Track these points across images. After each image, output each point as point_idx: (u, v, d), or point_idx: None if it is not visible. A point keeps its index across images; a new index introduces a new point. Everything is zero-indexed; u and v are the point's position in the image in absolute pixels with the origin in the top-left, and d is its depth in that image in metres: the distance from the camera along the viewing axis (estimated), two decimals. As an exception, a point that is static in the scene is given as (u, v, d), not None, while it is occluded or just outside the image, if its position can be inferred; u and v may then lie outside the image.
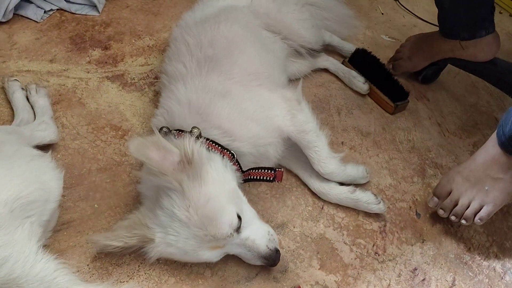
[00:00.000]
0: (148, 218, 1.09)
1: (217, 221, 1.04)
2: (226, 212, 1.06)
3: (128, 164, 1.38)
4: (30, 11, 1.77)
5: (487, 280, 1.35)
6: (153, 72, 1.69)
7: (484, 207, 1.30)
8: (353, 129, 1.68)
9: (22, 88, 1.44)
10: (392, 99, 1.78)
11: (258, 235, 1.12)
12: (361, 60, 1.87)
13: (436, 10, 1.72)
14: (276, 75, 1.49)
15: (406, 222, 1.44)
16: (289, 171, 1.47)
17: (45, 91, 1.44)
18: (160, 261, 1.17)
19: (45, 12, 1.80)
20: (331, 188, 1.39)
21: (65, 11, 1.85)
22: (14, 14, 1.74)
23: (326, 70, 1.89)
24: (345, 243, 1.34)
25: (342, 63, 1.89)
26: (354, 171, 1.41)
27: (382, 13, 2.37)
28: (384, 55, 1.97)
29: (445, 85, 2.01)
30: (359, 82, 1.81)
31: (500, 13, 2.61)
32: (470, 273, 1.35)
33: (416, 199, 1.51)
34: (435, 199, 1.40)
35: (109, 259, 1.16)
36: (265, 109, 1.30)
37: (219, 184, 1.09)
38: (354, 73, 1.83)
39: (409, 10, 2.45)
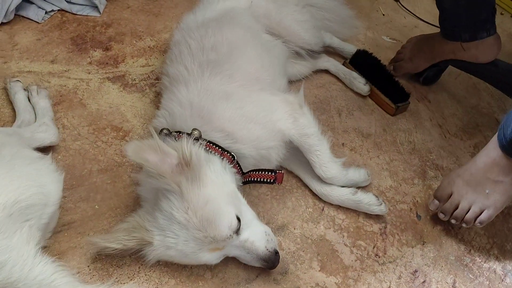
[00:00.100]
0: (147, 221, 1.09)
1: (216, 223, 1.04)
2: (225, 214, 1.06)
3: (128, 165, 1.38)
4: (31, 12, 1.77)
5: (487, 282, 1.35)
6: (154, 73, 1.69)
7: (485, 211, 1.30)
8: (353, 131, 1.68)
9: (24, 89, 1.44)
10: (393, 100, 1.78)
11: (257, 237, 1.12)
12: (362, 61, 1.87)
13: (437, 11, 1.72)
14: (278, 78, 1.50)
15: (407, 224, 1.44)
16: (290, 173, 1.47)
17: (46, 92, 1.44)
18: (161, 263, 1.17)
19: (46, 12, 1.80)
20: (332, 189, 1.39)
21: (66, 11, 1.85)
22: (15, 14, 1.74)
23: (326, 71, 1.89)
24: (345, 245, 1.34)
25: (343, 64, 1.89)
26: (356, 175, 1.41)
27: (383, 14, 2.37)
28: (385, 56, 1.97)
29: (446, 87, 2.01)
30: (360, 83, 1.81)
31: (502, 14, 2.61)
32: (470, 275, 1.35)
33: (417, 201, 1.51)
34: (436, 202, 1.40)
35: (109, 260, 1.16)
36: (268, 112, 1.30)
37: (218, 186, 1.09)
38: (355, 74, 1.83)
39: (410, 11, 2.45)
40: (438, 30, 1.79)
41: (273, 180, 1.27)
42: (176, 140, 1.15)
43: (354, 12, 2.14)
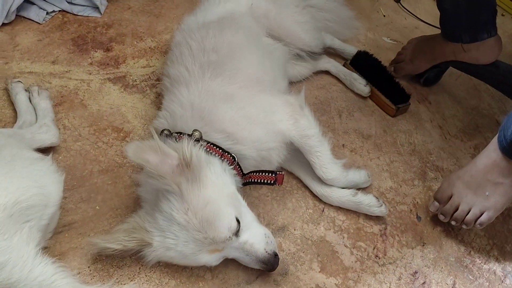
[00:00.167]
0: (147, 222, 1.09)
1: (215, 224, 1.04)
2: (224, 215, 1.06)
3: (129, 166, 1.38)
4: (33, 13, 1.77)
5: (487, 283, 1.35)
6: (155, 74, 1.70)
7: (485, 213, 1.30)
8: (354, 132, 1.69)
9: (26, 90, 1.44)
10: (394, 101, 1.78)
11: (256, 239, 1.12)
12: (362, 63, 1.87)
13: (438, 12, 1.72)
14: (278, 80, 1.50)
15: (407, 225, 1.44)
16: (290, 174, 1.47)
17: (47, 93, 1.45)
18: (161, 264, 1.18)
19: (47, 13, 1.80)
20: (332, 191, 1.40)
21: (67, 12, 1.86)
22: (16, 15, 1.74)
23: (327, 72, 1.89)
24: (345, 246, 1.34)
25: (344, 66, 1.89)
26: (356, 176, 1.41)
27: (384, 15, 2.37)
28: (385, 58, 1.98)
29: (447, 88, 2.01)
30: (361, 85, 1.81)
31: (503, 15, 2.61)
32: (470, 277, 1.36)
33: (417, 202, 1.52)
34: (436, 203, 1.40)
35: (110, 261, 1.16)
36: (268, 114, 1.31)
37: (218, 187, 1.10)
38: (355, 75, 1.84)
39: (410, 12, 2.45)
40: (439, 31, 1.79)
41: (274, 181, 1.27)
42: (177, 141, 1.15)
43: (355, 13, 2.14)
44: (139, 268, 1.17)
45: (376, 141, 1.68)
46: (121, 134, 1.47)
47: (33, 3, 1.79)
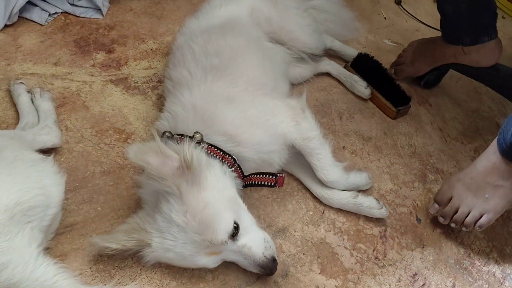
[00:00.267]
0: (147, 223, 1.10)
1: (213, 227, 1.05)
2: (223, 218, 1.07)
3: (131, 167, 1.39)
4: (35, 14, 1.78)
5: (486, 285, 1.36)
6: (157, 75, 1.70)
7: (485, 215, 1.31)
8: (354, 134, 1.69)
9: (28, 91, 1.45)
10: (394, 104, 1.78)
11: (255, 243, 1.12)
12: (363, 65, 1.88)
13: (438, 14, 1.73)
14: (280, 84, 1.51)
15: (407, 227, 1.45)
16: (291, 175, 1.48)
17: (49, 95, 1.45)
18: (162, 265, 1.18)
19: (49, 15, 1.81)
20: (333, 193, 1.40)
21: (70, 14, 1.86)
22: (19, 17, 1.75)
23: (328, 74, 1.90)
24: (345, 248, 1.35)
25: (344, 68, 1.90)
26: (357, 179, 1.42)
27: (385, 17, 2.38)
28: (386, 60, 1.98)
29: (447, 90, 2.01)
30: (361, 87, 1.82)
31: (503, 17, 2.61)
32: (470, 279, 1.36)
33: (417, 204, 1.52)
34: (436, 205, 1.41)
35: (111, 262, 1.17)
36: (270, 116, 1.31)
37: (217, 190, 1.10)
38: (356, 77, 1.84)
39: (411, 15, 2.45)
40: (439, 33, 1.80)
41: (274, 184, 1.28)
42: (178, 143, 1.16)
43: (356, 15, 2.15)
44: (140, 269, 1.18)
45: (377, 143, 1.69)
46: (123, 136, 1.47)
47: (35, 5, 1.80)
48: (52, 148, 1.33)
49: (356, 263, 1.32)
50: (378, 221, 1.43)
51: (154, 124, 1.37)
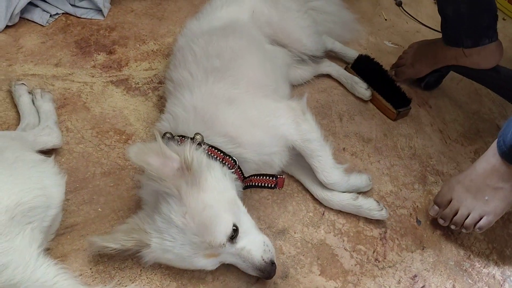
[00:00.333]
0: (146, 223, 1.10)
1: (212, 229, 1.05)
2: (222, 220, 1.07)
3: (131, 168, 1.39)
4: (36, 15, 1.78)
5: (486, 287, 1.36)
6: (157, 77, 1.71)
7: (484, 217, 1.31)
8: (354, 135, 1.69)
9: (29, 92, 1.45)
10: (394, 105, 1.79)
11: (254, 246, 1.12)
12: (363, 66, 1.88)
13: (439, 16, 1.73)
14: (281, 86, 1.51)
15: (407, 229, 1.45)
16: (291, 177, 1.48)
17: (50, 96, 1.46)
18: (162, 266, 1.18)
19: (50, 16, 1.81)
20: (333, 194, 1.40)
21: (71, 15, 1.87)
22: (20, 17, 1.75)
23: (328, 76, 1.90)
24: (345, 249, 1.35)
25: (345, 69, 1.90)
26: (357, 181, 1.42)
27: (385, 19, 2.38)
28: (387, 61, 1.98)
29: (448, 92, 2.02)
30: (362, 88, 1.82)
31: (504, 19, 2.61)
32: (469, 280, 1.36)
33: (417, 206, 1.52)
34: (436, 207, 1.41)
35: (111, 262, 1.17)
36: (271, 118, 1.31)
37: (217, 192, 1.10)
38: (356, 79, 1.84)
39: (412, 16, 2.45)
40: (440, 35, 1.80)
41: (274, 185, 1.29)
42: (179, 144, 1.16)
43: (356, 17, 2.16)
44: (141, 270, 1.18)
45: (377, 144, 1.69)
46: (124, 137, 1.48)
47: (36, 6, 1.80)
48: (53, 149, 1.33)
49: (356, 265, 1.32)
50: (378, 222, 1.43)
51: (155, 125, 1.38)
